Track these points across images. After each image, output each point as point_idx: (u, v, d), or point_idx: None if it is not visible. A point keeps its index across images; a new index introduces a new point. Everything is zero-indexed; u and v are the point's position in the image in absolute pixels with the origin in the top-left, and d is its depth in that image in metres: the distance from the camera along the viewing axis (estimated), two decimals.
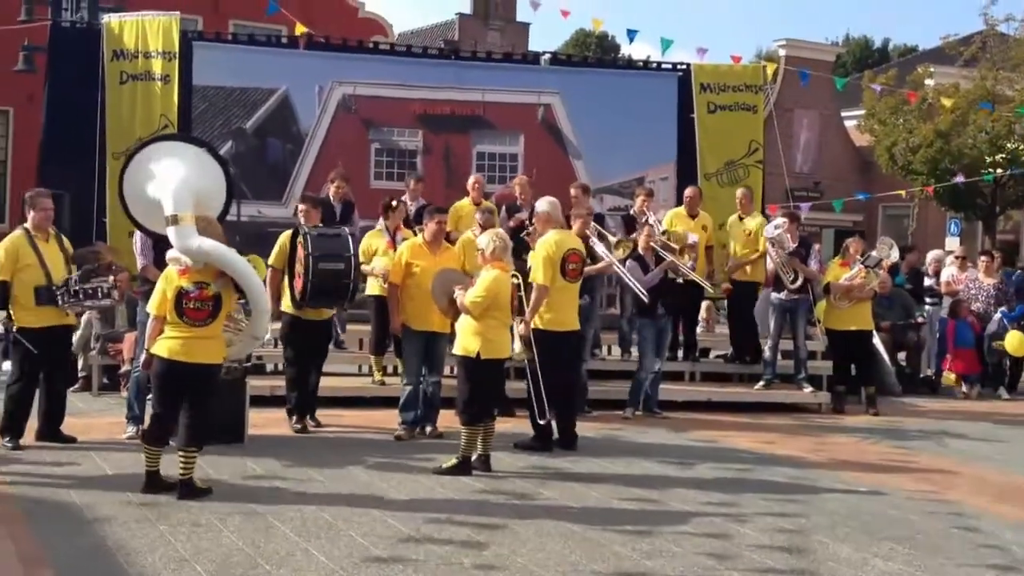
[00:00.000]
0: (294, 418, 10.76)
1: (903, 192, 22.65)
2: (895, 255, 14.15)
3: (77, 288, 9.29)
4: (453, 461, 8.95)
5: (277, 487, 8.25)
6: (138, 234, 10.19)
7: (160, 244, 9.78)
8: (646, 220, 12.91)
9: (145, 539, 6.74)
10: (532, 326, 9.90)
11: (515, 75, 16.11)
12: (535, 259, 10.19)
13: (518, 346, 9.62)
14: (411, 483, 8.56)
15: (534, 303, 9.95)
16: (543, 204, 10.60)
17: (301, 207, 11.09)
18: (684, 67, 16.30)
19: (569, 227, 11.98)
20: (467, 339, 9.05)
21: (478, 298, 8.94)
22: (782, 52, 35.87)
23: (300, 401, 10.78)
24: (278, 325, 10.73)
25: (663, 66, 16.67)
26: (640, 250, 12.12)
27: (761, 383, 13.40)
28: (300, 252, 10.25)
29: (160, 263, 9.73)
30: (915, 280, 16.45)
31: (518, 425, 10.91)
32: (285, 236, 10.76)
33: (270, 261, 10.81)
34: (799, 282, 13.04)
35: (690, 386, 13.54)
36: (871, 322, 13.68)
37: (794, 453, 10.62)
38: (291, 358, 10.80)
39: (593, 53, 45.98)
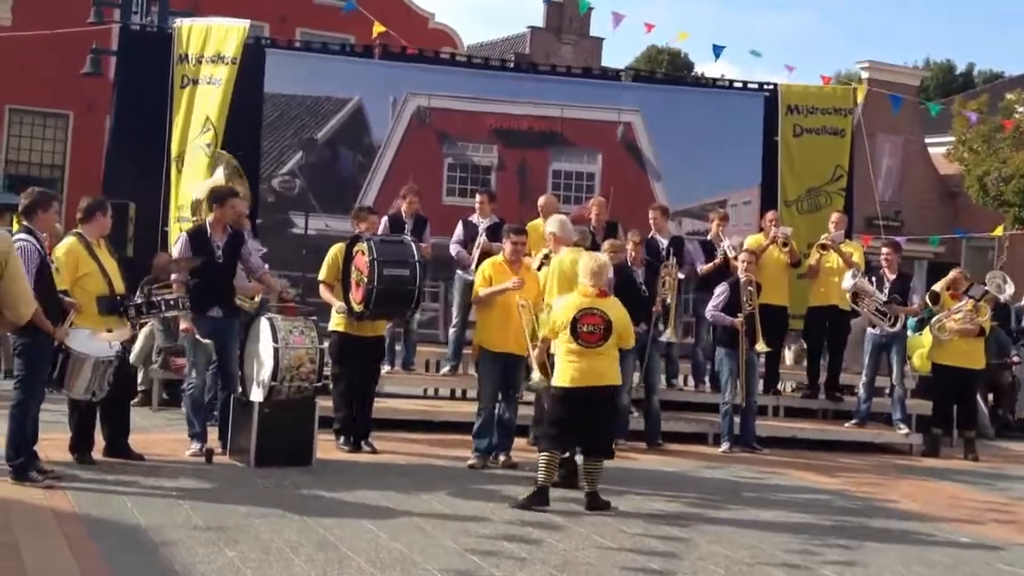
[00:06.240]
0: (341, 439, 10.67)
1: (1000, 230, 22.11)
2: (1010, 290, 13.66)
3: (157, 299, 9.21)
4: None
5: (347, 515, 8.09)
6: (180, 242, 10.18)
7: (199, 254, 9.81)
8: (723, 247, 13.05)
9: (213, 565, 6.61)
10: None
11: (594, 91, 15.94)
12: (549, 280, 9.98)
13: (536, 375, 9.47)
14: (487, 515, 8.39)
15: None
16: (552, 224, 10.50)
17: (359, 222, 11.11)
18: (771, 87, 16.07)
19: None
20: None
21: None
22: (864, 75, 35.40)
23: (348, 422, 10.68)
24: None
25: (749, 85, 16.47)
26: (741, 274, 12.05)
27: (853, 421, 13.13)
28: (360, 260, 10.19)
29: (194, 274, 9.74)
30: (1001, 317, 16.03)
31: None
32: (337, 249, 10.70)
33: (320, 276, 10.77)
34: (899, 324, 12.74)
35: (773, 421, 13.28)
36: (982, 361, 13.34)
37: (888, 497, 10.38)
38: (339, 376, 10.71)
39: (665, 70, 45.76)
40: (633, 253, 12.03)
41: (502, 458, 10.33)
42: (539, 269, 10.33)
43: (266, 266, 10.97)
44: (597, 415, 8.88)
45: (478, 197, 13.06)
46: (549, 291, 9.89)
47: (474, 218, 12.92)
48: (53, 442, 9.24)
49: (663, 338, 12.16)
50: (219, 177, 10.71)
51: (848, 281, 12.82)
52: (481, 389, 10.45)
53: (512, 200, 14.66)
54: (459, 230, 12.86)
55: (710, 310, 12.25)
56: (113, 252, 9.43)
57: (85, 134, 28.10)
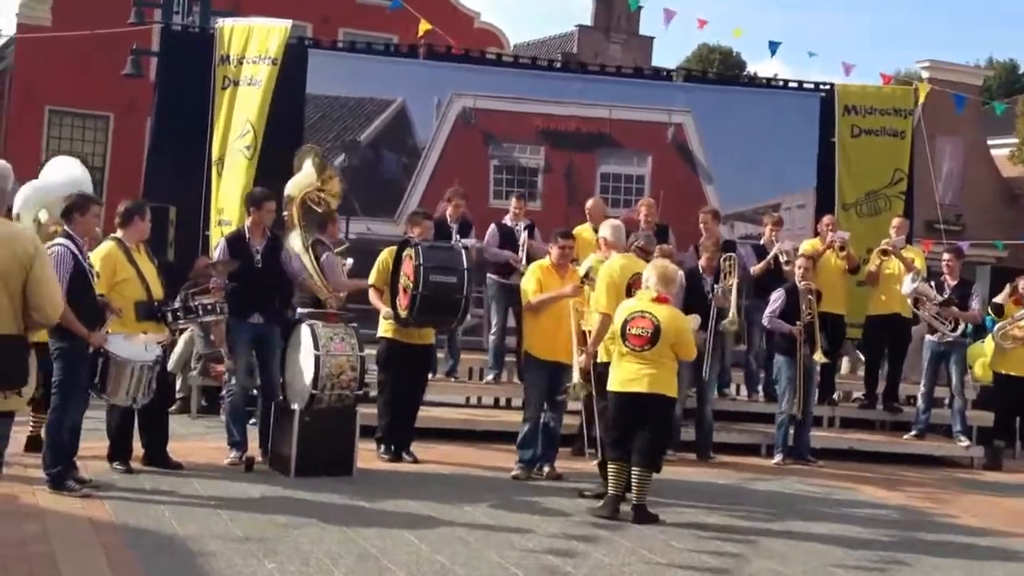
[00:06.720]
0: (381, 448, 10.64)
1: None
2: None
3: (195, 304, 9.23)
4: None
5: (388, 526, 8.07)
6: (219, 247, 10.21)
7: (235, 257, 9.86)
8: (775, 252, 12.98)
9: None
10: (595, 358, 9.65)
11: (644, 91, 15.87)
12: (597, 285, 9.91)
13: (576, 378, 9.44)
14: (531, 527, 8.34)
15: (597, 332, 9.52)
16: (605, 228, 10.41)
17: (413, 226, 11.07)
18: (827, 87, 15.94)
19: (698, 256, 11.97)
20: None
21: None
22: (925, 74, 35.07)
23: (391, 431, 10.66)
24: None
25: (804, 85, 16.34)
26: (799, 281, 11.92)
27: (912, 433, 13.00)
28: (407, 266, 10.13)
29: (232, 278, 9.76)
30: None
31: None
32: (387, 252, 10.66)
33: (370, 280, 10.74)
34: (960, 329, 12.62)
35: (829, 432, 13.18)
36: None
37: (949, 512, 10.28)
38: (385, 384, 10.67)
39: (717, 69, 45.55)
40: (707, 261, 12.00)
41: (546, 469, 10.27)
42: (584, 278, 10.15)
43: (350, 261, 11.11)
44: (645, 423, 8.83)
45: (515, 201, 13.06)
46: (596, 299, 9.83)
47: (508, 220, 12.91)
48: (91, 450, 9.31)
49: (723, 324, 11.98)
50: (309, 171, 10.68)
51: (908, 285, 12.68)
52: (527, 397, 10.40)
53: (559, 203, 14.66)
54: (495, 233, 12.84)
55: (767, 316, 12.15)
56: (152, 257, 9.46)
57: (125, 136, 28.33)
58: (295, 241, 10.23)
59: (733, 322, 12.05)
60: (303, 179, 10.68)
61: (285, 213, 10.56)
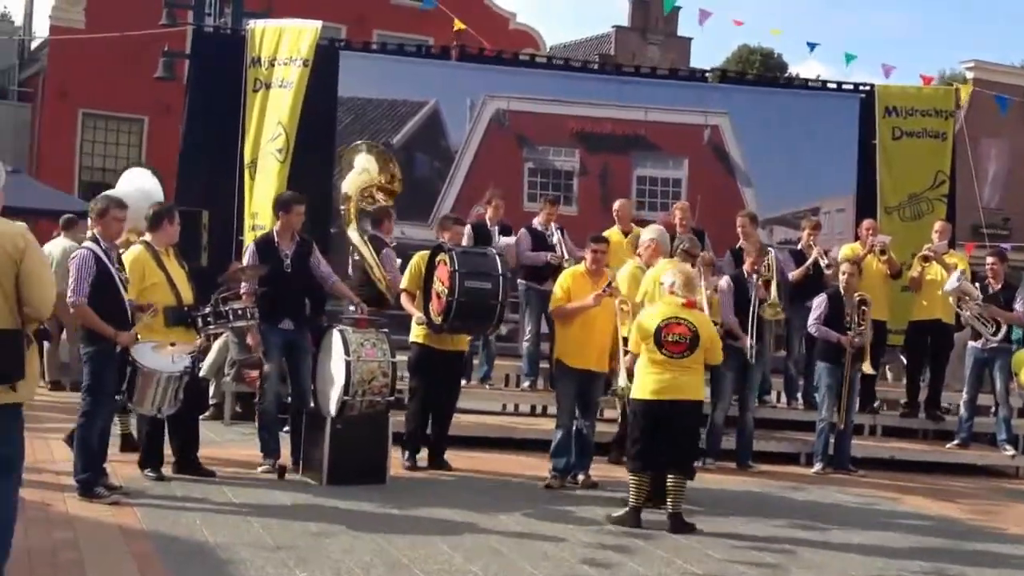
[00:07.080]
0: (406, 454, 10.56)
1: None
2: None
3: (225, 309, 9.23)
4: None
5: (421, 534, 8.06)
6: (248, 252, 10.25)
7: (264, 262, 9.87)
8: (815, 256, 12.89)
9: None
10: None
11: (680, 93, 15.84)
12: (648, 291, 9.81)
13: (623, 380, 9.43)
14: (566, 537, 8.31)
15: None
16: (652, 232, 10.40)
17: (443, 231, 11.05)
18: (867, 88, 15.82)
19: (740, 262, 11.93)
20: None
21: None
22: (970, 75, 34.84)
23: (415, 437, 10.62)
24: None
25: (844, 86, 16.24)
26: (843, 287, 11.82)
27: (955, 441, 12.86)
28: (441, 271, 10.09)
29: (262, 283, 9.78)
30: None
31: None
32: (420, 257, 10.63)
33: (402, 284, 10.71)
34: (1002, 332, 12.47)
35: (870, 441, 13.08)
36: None
37: (993, 522, 10.16)
38: (417, 390, 10.65)
39: (757, 71, 45.39)
40: (751, 264, 11.92)
41: (581, 477, 10.22)
42: (607, 287, 9.96)
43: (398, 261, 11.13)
44: (677, 431, 8.79)
45: (547, 207, 13.01)
46: (651, 302, 9.81)
47: (537, 223, 12.86)
48: (122, 457, 9.34)
49: (763, 307, 11.85)
50: (364, 164, 10.65)
51: (952, 283, 12.54)
52: (559, 405, 10.35)
53: (594, 207, 14.59)
54: (527, 236, 12.76)
55: (814, 324, 11.94)
56: (182, 262, 9.47)
57: (160, 139, 28.49)
58: (352, 235, 10.28)
59: (775, 306, 11.95)
60: (360, 176, 10.64)
61: (343, 207, 10.61)
